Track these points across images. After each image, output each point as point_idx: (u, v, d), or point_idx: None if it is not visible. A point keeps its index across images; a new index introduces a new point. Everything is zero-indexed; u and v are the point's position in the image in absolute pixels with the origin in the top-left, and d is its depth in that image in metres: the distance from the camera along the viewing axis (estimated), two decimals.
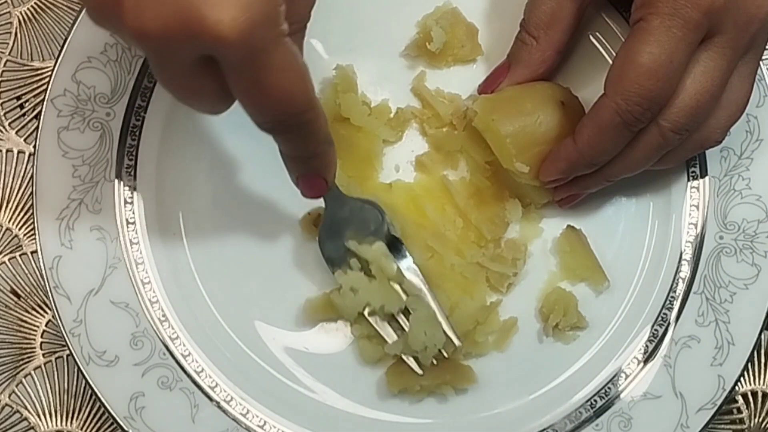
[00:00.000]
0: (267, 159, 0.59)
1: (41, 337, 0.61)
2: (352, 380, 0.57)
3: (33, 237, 0.58)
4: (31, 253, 0.62)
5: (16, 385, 0.60)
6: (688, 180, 0.59)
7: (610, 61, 0.59)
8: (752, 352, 0.56)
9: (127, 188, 0.57)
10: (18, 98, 0.63)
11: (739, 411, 0.61)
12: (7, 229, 0.62)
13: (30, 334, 0.61)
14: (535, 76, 0.57)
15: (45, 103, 0.56)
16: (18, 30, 0.64)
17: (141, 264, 0.57)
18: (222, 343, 0.57)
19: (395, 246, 0.57)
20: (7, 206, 0.62)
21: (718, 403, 0.55)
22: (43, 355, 0.61)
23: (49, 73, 0.57)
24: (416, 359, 0.56)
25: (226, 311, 0.58)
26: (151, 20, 0.37)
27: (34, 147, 0.56)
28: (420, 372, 0.56)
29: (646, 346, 0.57)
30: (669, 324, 0.57)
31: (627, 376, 0.57)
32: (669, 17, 0.47)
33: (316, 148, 0.46)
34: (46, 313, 0.61)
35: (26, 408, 0.60)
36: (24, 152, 0.63)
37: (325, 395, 0.57)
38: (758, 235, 0.57)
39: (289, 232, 0.59)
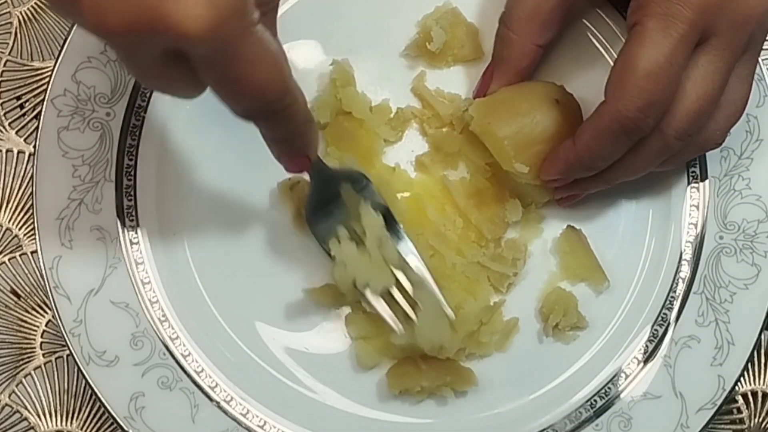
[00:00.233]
0: (267, 159, 0.59)
1: (41, 337, 0.61)
2: (352, 380, 0.57)
3: (33, 237, 0.58)
4: (31, 253, 0.62)
5: (16, 385, 0.60)
6: (688, 180, 0.59)
7: (609, 60, 0.59)
8: (752, 352, 0.56)
9: (127, 188, 0.57)
10: (18, 98, 0.63)
11: (739, 411, 0.61)
12: (7, 229, 0.62)
13: (30, 334, 0.61)
14: (519, 71, 0.56)
15: (45, 103, 0.56)
16: (18, 30, 0.64)
17: (141, 264, 0.57)
18: (222, 343, 0.57)
19: (388, 221, 0.56)
20: (7, 206, 0.62)
21: (718, 403, 0.55)
22: (43, 355, 0.61)
23: (49, 73, 0.57)
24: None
25: (226, 311, 0.58)
26: (112, 16, 0.35)
27: (34, 147, 0.56)
28: (400, 331, 0.54)
29: (646, 346, 0.57)
30: (669, 324, 0.57)
31: (627, 376, 0.57)
32: (664, 18, 0.46)
33: (296, 129, 0.45)
34: (46, 313, 0.61)
35: (26, 408, 0.60)
36: (24, 152, 0.63)
37: (325, 395, 0.57)
38: (758, 235, 0.57)
39: (291, 232, 0.59)
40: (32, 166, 0.56)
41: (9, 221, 0.62)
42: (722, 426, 0.61)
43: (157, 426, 0.55)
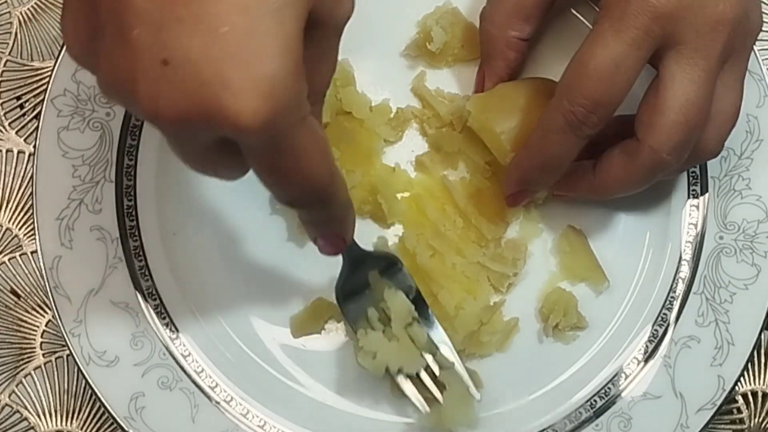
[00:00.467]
0: None
1: (41, 337, 0.61)
2: (351, 380, 0.57)
3: (33, 237, 0.58)
4: (31, 253, 0.62)
5: (16, 385, 0.60)
6: (688, 181, 0.59)
7: None
8: (752, 352, 0.56)
9: (127, 188, 0.57)
10: (18, 98, 0.63)
11: (739, 411, 0.61)
12: (7, 229, 0.62)
13: (30, 334, 0.61)
14: (507, 65, 0.57)
15: (45, 103, 0.56)
16: (18, 30, 0.64)
17: (141, 264, 0.57)
18: (222, 343, 0.57)
19: (420, 306, 0.55)
20: (7, 206, 0.62)
21: (718, 403, 0.55)
22: (43, 355, 0.61)
23: (49, 73, 0.57)
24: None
25: (226, 311, 0.58)
26: (168, 105, 0.34)
27: (34, 147, 0.56)
28: (425, 409, 0.55)
29: (646, 346, 0.57)
30: (669, 324, 0.57)
31: (627, 376, 0.57)
32: (618, 21, 0.46)
33: (336, 213, 0.45)
34: (46, 313, 0.61)
35: (26, 408, 0.60)
36: (24, 152, 0.63)
37: (325, 395, 0.57)
38: (758, 235, 0.57)
39: (291, 233, 0.59)
40: (32, 166, 0.56)
41: (9, 221, 0.62)
42: (722, 426, 0.61)
43: (157, 426, 0.55)
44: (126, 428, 0.54)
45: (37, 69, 0.63)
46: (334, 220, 0.46)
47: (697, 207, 0.58)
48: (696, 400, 0.56)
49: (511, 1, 0.55)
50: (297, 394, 0.57)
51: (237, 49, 0.34)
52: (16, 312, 0.61)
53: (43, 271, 0.55)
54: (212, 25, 0.34)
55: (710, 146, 0.52)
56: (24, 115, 0.63)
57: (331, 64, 0.43)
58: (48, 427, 0.60)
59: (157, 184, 0.58)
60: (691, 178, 0.59)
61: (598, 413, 0.56)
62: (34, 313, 0.61)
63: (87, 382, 0.55)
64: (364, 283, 0.55)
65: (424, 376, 0.55)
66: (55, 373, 0.60)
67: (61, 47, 0.57)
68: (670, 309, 0.58)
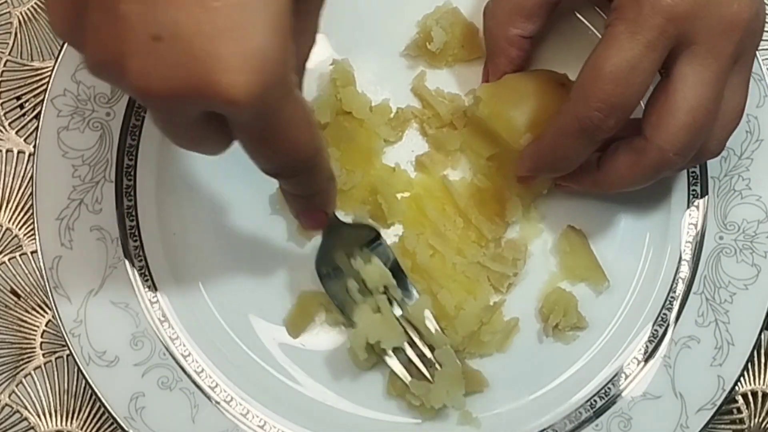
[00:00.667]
0: None
1: (41, 337, 0.61)
2: (352, 381, 0.57)
3: (33, 237, 0.58)
4: (31, 253, 0.62)
5: (16, 385, 0.60)
6: (689, 181, 0.59)
7: None
8: (752, 352, 0.56)
9: (127, 188, 0.57)
10: (18, 98, 0.63)
11: (739, 411, 0.61)
12: (7, 229, 0.62)
13: (30, 334, 0.61)
14: (510, 61, 0.57)
15: (45, 103, 0.56)
16: (18, 30, 0.64)
17: (141, 264, 0.57)
18: (222, 343, 0.57)
19: (398, 276, 0.56)
20: (7, 206, 0.62)
21: (718, 403, 0.55)
22: (43, 355, 0.61)
23: (49, 73, 0.57)
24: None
25: (226, 311, 0.58)
26: (157, 81, 0.34)
27: (34, 147, 0.56)
28: (416, 392, 0.55)
29: (646, 346, 0.57)
30: (669, 324, 0.57)
31: (627, 376, 0.57)
32: (633, 23, 0.46)
33: (318, 186, 0.46)
34: (46, 313, 0.61)
35: (26, 408, 0.60)
36: (24, 152, 0.63)
37: (325, 395, 0.57)
38: (758, 235, 0.57)
39: (291, 233, 0.59)
40: (32, 166, 0.56)
41: (9, 221, 0.62)
42: (722, 426, 0.61)
43: (157, 426, 0.55)
44: (126, 428, 0.54)
45: (37, 69, 0.63)
46: (317, 192, 0.46)
47: (697, 207, 0.58)
48: (696, 400, 0.56)
49: (513, 0, 0.55)
50: (297, 394, 0.57)
51: (228, 24, 0.34)
52: (16, 312, 0.61)
53: (43, 271, 0.55)
54: (203, 0, 0.33)
55: (713, 146, 0.52)
56: (24, 115, 0.63)
57: (312, 36, 0.43)
58: (48, 427, 0.60)
59: (157, 184, 0.58)
60: (691, 178, 0.59)
61: (598, 413, 0.56)
62: (34, 313, 0.61)
63: (87, 382, 0.55)
64: (343, 256, 0.56)
65: (410, 353, 0.55)
66: (55, 373, 0.60)
67: (61, 47, 0.57)
68: (670, 309, 0.58)
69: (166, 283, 0.57)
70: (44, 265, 0.55)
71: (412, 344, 0.56)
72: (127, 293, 0.56)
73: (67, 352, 0.57)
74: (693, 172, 0.59)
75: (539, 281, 0.59)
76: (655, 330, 0.57)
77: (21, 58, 0.64)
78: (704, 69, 0.47)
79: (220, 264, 0.58)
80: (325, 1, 0.42)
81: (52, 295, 0.55)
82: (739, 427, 0.61)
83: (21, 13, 0.64)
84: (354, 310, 0.55)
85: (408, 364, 0.56)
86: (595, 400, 0.57)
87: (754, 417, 0.61)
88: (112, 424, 0.58)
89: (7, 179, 0.62)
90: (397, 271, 0.56)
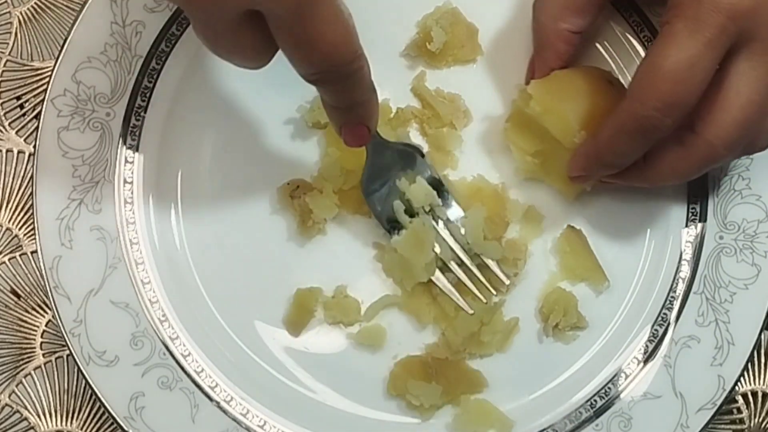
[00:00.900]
0: (268, 161, 0.59)
1: (41, 337, 0.61)
2: (352, 380, 0.57)
3: (33, 237, 0.58)
4: (31, 253, 0.62)
5: (16, 385, 0.60)
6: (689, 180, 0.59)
7: (609, 60, 0.60)
8: (752, 352, 0.56)
9: (126, 188, 0.57)
10: (18, 98, 0.63)
11: (739, 411, 0.61)
12: (7, 229, 0.62)
13: (30, 334, 0.61)
14: (558, 57, 0.56)
15: (45, 103, 0.56)
16: (18, 30, 0.64)
17: (141, 264, 0.57)
18: (222, 343, 0.57)
19: (440, 192, 0.58)
20: (7, 206, 0.62)
21: (718, 403, 0.55)
22: (43, 355, 0.61)
23: (49, 73, 0.57)
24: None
25: (226, 311, 0.58)
26: None
27: (34, 147, 0.56)
28: (470, 311, 0.57)
29: (646, 346, 0.57)
30: (669, 324, 0.57)
31: (627, 376, 0.57)
32: (693, 21, 0.45)
33: (360, 97, 0.46)
34: (46, 313, 0.61)
35: (26, 408, 0.60)
36: (24, 152, 0.63)
37: (325, 395, 0.57)
38: (758, 235, 0.57)
39: (291, 233, 0.59)
40: (32, 166, 0.56)
41: (9, 221, 0.62)
42: (722, 426, 0.61)
43: (157, 426, 0.55)
44: (126, 428, 0.54)
45: (37, 69, 0.63)
46: (358, 103, 0.47)
47: (697, 207, 0.58)
48: (696, 400, 0.56)
49: None
50: (297, 393, 0.57)
51: None
52: (16, 312, 0.61)
53: (43, 271, 0.55)
54: None
55: (762, 141, 0.51)
56: (24, 115, 0.63)
57: None
58: (48, 427, 0.60)
59: (156, 184, 0.58)
60: None
61: (598, 413, 0.56)
62: (34, 313, 0.61)
63: (87, 382, 0.55)
64: (387, 173, 0.57)
65: (456, 269, 0.57)
66: (55, 373, 0.60)
67: (62, 47, 0.57)
68: (670, 309, 0.58)
69: (167, 283, 0.57)
70: (44, 265, 0.55)
71: (460, 263, 0.57)
72: (127, 293, 0.56)
73: (67, 352, 0.57)
74: None
75: (539, 281, 0.59)
76: (655, 330, 0.57)
77: (21, 58, 0.64)
78: (760, 65, 0.47)
79: (220, 264, 0.58)
80: None
81: (52, 295, 0.55)
82: (739, 427, 0.61)
83: (21, 13, 0.64)
84: (400, 230, 0.57)
85: (457, 283, 0.57)
86: (595, 400, 0.57)
87: (754, 417, 0.61)
88: (112, 424, 0.58)
89: (7, 179, 0.62)
90: (441, 189, 0.57)
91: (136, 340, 0.56)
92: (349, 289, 0.58)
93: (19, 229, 0.62)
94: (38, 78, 0.63)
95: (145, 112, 0.58)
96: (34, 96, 0.63)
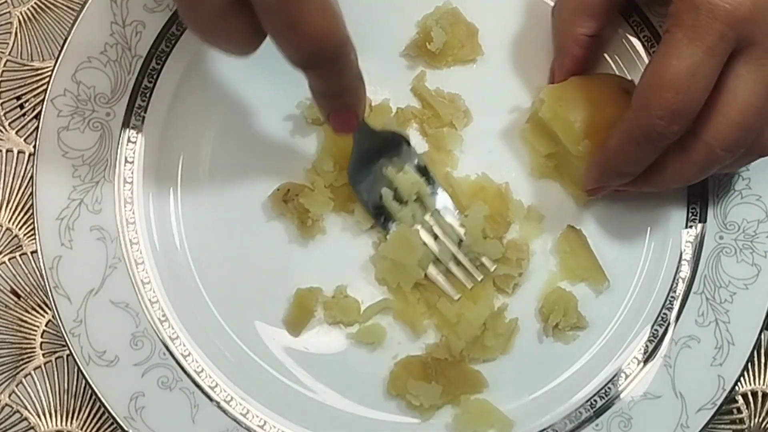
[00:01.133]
0: (267, 162, 0.59)
1: (41, 337, 0.61)
2: (352, 380, 0.57)
3: (33, 237, 0.58)
4: (31, 253, 0.62)
5: (16, 385, 0.60)
6: None
7: (612, 64, 0.60)
8: (752, 352, 0.56)
9: (126, 188, 0.57)
10: (18, 98, 0.63)
11: (739, 411, 0.61)
12: (7, 229, 0.62)
13: (30, 334, 0.61)
14: (576, 61, 0.57)
15: (45, 103, 0.56)
16: (18, 30, 0.64)
17: (141, 264, 0.57)
18: (222, 343, 0.57)
19: (426, 180, 0.58)
20: (7, 206, 0.62)
21: (718, 403, 0.55)
22: (43, 355, 0.61)
23: (49, 73, 0.57)
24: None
25: (226, 311, 0.58)
26: None
27: (34, 147, 0.56)
28: (455, 297, 0.57)
29: (646, 346, 0.57)
30: (669, 324, 0.57)
31: (627, 376, 0.57)
32: (692, 29, 0.46)
33: (348, 83, 0.47)
34: (46, 313, 0.61)
35: (26, 408, 0.60)
36: (24, 152, 0.63)
37: (325, 395, 0.57)
38: (758, 235, 0.57)
39: (291, 233, 0.59)
40: (32, 166, 0.56)
41: (9, 221, 0.62)
42: (722, 426, 0.61)
43: (157, 426, 0.55)
44: (126, 428, 0.54)
45: (37, 69, 0.63)
46: (347, 89, 0.47)
47: (697, 207, 0.58)
48: (696, 399, 0.56)
49: None
50: (297, 393, 0.57)
51: None
52: (16, 312, 0.61)
53: (43, 271, 0.55)
54: None
55: (766, 143, 0.51)
56: (24, 115, 0.63)
57: None
58: (48, 427, 0.60)
59: (156, 184, 0.58)
60: None
61: (599, 413, 0.56)
62: (34, 313, 0.61)
63: (87, 382, 0.55)
64: (374, 161, 0.57)
65: (444, 258, 0.58)
66: (55, 373, 0.60)
67: (61, 47, 0.57)
68: (670, 309, 0.58)
69: (167, 283, 0.57)
70: (44, 265, 0.55)
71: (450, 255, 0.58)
72: (127, 293, 0.56)
73: (67, 352, 0.57)
74: None
75: (539, 281, 0.59)
76: (655, 330, 0.57)
77: (21, 58, 0.64)
78: (759, 69, 0.47)
79: (221, 264, 0.58)
80: None
81: (52, 295, 0.55)
82: (739, 427, 0.61)
83: (21, 13, 0.64)
84: (390, 219, 0.57)
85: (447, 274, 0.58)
86: (595, 400, 0.57)
87: (754, 417, 0.61)
88: (112, 424, 0.58)
89: (7, 179, 0.62)
90: (427, 177, 0.58)
91: (136, 340, 0.56)
92: (349, 289, 0.58)
93: (19, 229, 0.62)
94: (38, 78, 0.63)
95: (145, 112, 0.58)
96: (34, 96, 0.63)
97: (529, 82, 0.61)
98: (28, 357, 0.61)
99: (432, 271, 0.57)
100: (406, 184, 0.57)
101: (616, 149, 0.51)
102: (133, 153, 0.58)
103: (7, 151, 0.63)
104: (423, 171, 0.58)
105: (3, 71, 0.63)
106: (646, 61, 0.59)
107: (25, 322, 0.61)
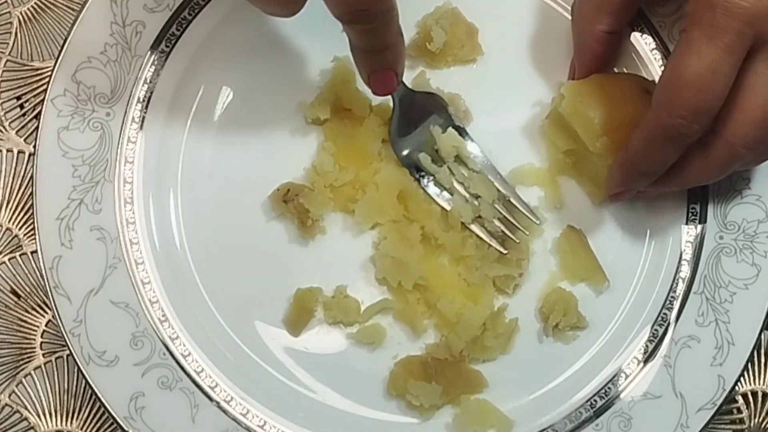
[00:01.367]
0: (266, 158, 0.59)
1: (41, 337, 0.61)
2: (352, 380, 0.57)
3: (33, 237, 0.58)
4: (31, 253, 0.62)
5: (16, 385, 0.60)
6: None
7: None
8: (752, 352, 0.56)
9: (126, 188, 0.57)
10: (18, 98, 0.63)
11: (739, 411, 0.61)
12: (7, 229, 0.62)
13: (30, 334, 0.61)
14: (596, 58, 0.57)
15: (45, 103, 0.56)
16: (18, 30, 0.64)
17: (141, 264, 0.57)
18: (222, 343, 0.57)
19: (463, 136, 0.59)
20: (7, 206, 0.62)
21: (718, 403, 0.55)
22: (43, 355, 0.61)
23: (49, 73, 0.57)
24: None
25: (226, 311, 0.58)
26: None
27: (34, 147, 0.56)
28: (504, 251, 0.57)
29: (646, 346, 0.57)
30: (669, 324, 0.57)
31: (627, 376, 0.57)
32: (709, 28, 0.46)
33: (390, 40, 0.47)
34: (46, 313, 0.61)
35: (26, 408, 0.60)
36: (24, 152, 0.63)
37: (325, 395, 0.57)
38: (758, 235, 0.57)
39: (291, 233, 0.59)
40: (32, 166, 0.56)
41: (9, 221, 0.62)
42: (722, 426, 0.61)
43: (157, 426, 0.55)
44: (126, 428, 0.54)
45: (37, 69, 0.63)
46: (387, 47, 0.48)
47: (697, 207, 0.58)
48: (696, 399, 0.55)
49: None
50: (297, 393, 0.57)
51: None
52: (16, 312, 0.61)
53: (43, 271, 0.55)
54: None
55: None
56: (24, 115, 0.63)
57: None
58: (48, 427, 0.60)
59: (157, 184, 0.58)
60: None
61: (598, 413, 0.56)
62: (34, 313, 0.61)
63: (87, 382, 0.55)
64: (415, 123, 0.58)
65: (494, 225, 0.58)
66: (55, 373, 0.60)
67: (61, 47, 0.57)
68: (670, 309, 0.58)
69: (167, 283, 0.57)
70: (44, 265, 0.55)
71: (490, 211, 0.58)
72: (127, 293, 0.56)
73: (67, 352, 0.57)
74: None
75: (539, 281, 0.59)
76: (655, 330, 0.57)
77: (21, 58, 0.64)
78: None
79: (221, 265, 0.58)
80: None
81: (52, 295, 0.55)
82: (739, 427, 0.61)
83: (21, 13, 0.64)
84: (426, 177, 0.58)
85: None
86: (595, 400, 0.57)
87: (754, 417, 0.61)
88: (112, 424, 0.58)
89: (7, 179, 0.62)
90: (464, 134, 0.59)
91: (136, 340, 0.56)
92: (349, 289, 0.58)
93: (19, 229, 0.62)
94: (38, 78, 0.63)
95: (145, 112, 0.58)
96: (34, 96, 0.63)
97: (530, 82, 0.61)
98: (28, 357, 0.61)
99: (475, 228, 0.58)
100: (447, 145, 0.58)
101: (638, 150, 0.51)
102: (133, 153, 0.58)
103: (7, 151, 0.63)
104: (462, 132, 0.59)
105: (3, 71, 0.63)
106: (646, 60, 0.59)
107: (25, 322, 0.61)
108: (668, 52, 0.59)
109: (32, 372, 0.60)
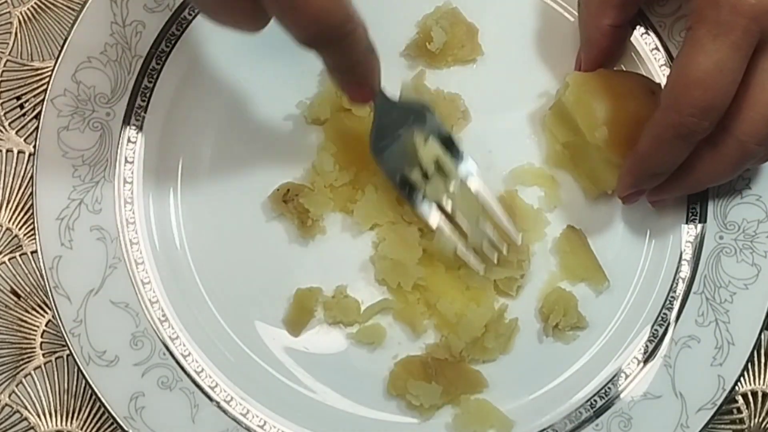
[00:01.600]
0: (266, 158, 0.59)
1: (41, 337, 0.61)
2: (352, 380, 0.57)
3: (33, 237, 0.58)
4: (31, 253, 0.62)
5: (16, 385, 0.60)
6: None
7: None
8: (752, 352, 0.56)
9: (126, 188, 0.57)
10: (18, 98, 0.63)
11: (739, 411, 0.61)
12: (7, 229, 0.62)
13: (30, 334, 0.61)
14: (601, 52, 0.57)
15: (45, 103, 0.56)
16: (18, 30, 0.64)
17: (141, 264, 0.57)
18: (222, 343, 0.57)
19: (452, 148, 0.57)
20: (7, 206, 0.62)
21: (718, 403, 0.55)
22: (43, 355, 0.61)
23: (49, 73, 0.57)
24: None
25: (226, 311, 0.58)
26: None
27: (34, 147, 0.56)
28: (481, 271, 0.57)
29: (646, 346, 0.57)
30: (669, 324, 0.57)
31: (627, 376, 0.57)
32: (714, 25, 0.46)
33: (357, 58, 0.46)
34: (46, 313, 0.61)
35: (26, 408, 0.60)
36: (24, 152, 0.63)
37: (325, 395, 0.57)
38: (758, 235, 0.57)
39: (291, 233, 0.59)
40: (32, 166, 0.56)
41: (9, 221, 0.62)
42: (722, 426, 0.61)
43: (157, 426, 0.55)
44: (126, 428, 0.54)
45: (37, 69, 0.63)
46: (356, 64, 0.47)
47: (697, 206, 0.58)
48: (696, 399, 0.55)
49: None
50: (297, 393, 0.57)
51: None
52: (16, 312, 0.61)
53: (43, 271, 0.55)
54: None
55: None
56: (24, 115, 0.63)
57: None
58: (48, 427, 0.60)
59: (157, 184, 0.58)
60: None
61: (598, 413, 0.56)
62: (34, 313, 0.61)
63: (87, 382, 0.55)
64: (396, 131, 0.56)
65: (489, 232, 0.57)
66: (55, 373, 0.60)
67: (61, 47, 0.57)
68: (670, 309, 0.58)
69: (167, 283, 0.57)
70: (44, 265, 0.55)
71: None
72: (127, 293, 0.56)
73: (67, 352, 0.57)
74: None
75: (539, 281, 0.59)
76: (655, 330, 0.57)
77: (21, 58, 0.64)
78: None
79: (221, 265, 0.58)
80: None
81: (52, 295, 0.55)
82: (739, 427, 0.61)
83: (21, 13, 0.64)
84: (414, 190, 0.57)
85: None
86: (595, 400, 0.57)
87: (754, 417, 0.61)
88: (112, 424, 0.58)
89: (7, 179, 0.62)
90: (452, 145, 0.57)
91: (136, 340, 0.56)
92: (349, 289, 0.58)
93: (19, 229, 0.62)
94: (38, 78, 0.63)
95: (145, 112, 0.58)
96: (34, 96, 0.63)
97: (530, 82, 0.61)
98: (28, 357, 0.61)
99: (461, 248, 0.57)
100: (426, 157, 0.57)
101: (648, 150, 0.51)
102: (133, 153, 0.58)
103: (7, 151, 0.63)
104: (447, 139, 0.57)
105: (3, 71, 0.63)
106: (647, 60, 0.59)
107: (25, 322, 0.61)
108: (669, 52, 0.59)
109: (32, 372, 0.60)
